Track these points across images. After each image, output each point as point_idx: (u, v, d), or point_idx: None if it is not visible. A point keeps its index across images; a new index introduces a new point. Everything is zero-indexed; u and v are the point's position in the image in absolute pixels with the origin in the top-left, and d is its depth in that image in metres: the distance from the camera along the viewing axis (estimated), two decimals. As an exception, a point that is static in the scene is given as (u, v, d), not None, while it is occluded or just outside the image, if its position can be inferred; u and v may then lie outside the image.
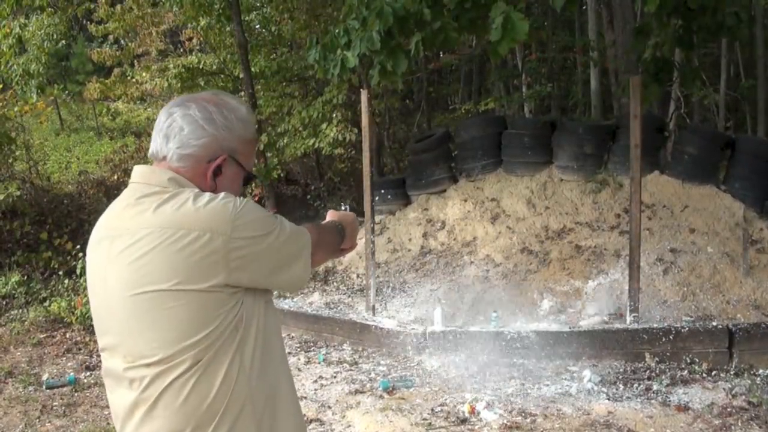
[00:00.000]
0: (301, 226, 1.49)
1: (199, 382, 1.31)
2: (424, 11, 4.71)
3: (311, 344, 5.90)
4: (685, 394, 4.51)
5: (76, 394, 4.90)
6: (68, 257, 7.44)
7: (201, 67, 10.46)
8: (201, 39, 11.33)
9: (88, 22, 13.25)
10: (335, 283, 7.38)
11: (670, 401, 4.41)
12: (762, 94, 10.60)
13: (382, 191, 8.20)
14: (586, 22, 12.16)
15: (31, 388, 5.03)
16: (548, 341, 5.18)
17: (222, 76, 10.84)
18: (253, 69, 9.84)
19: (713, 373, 4.83)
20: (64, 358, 5.70)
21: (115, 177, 10.11)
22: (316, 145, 9.05)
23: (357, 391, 4.76)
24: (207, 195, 1.35)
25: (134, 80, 11.14)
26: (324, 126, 8.88)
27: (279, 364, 1.45)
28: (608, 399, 4.48)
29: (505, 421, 4.16)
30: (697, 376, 4.79)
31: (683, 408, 4.29)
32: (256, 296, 1.38)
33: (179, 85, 9.99)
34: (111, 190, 9.59)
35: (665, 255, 6.34)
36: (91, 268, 1.43)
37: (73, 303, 6.53)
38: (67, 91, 15.46)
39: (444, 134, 8.59)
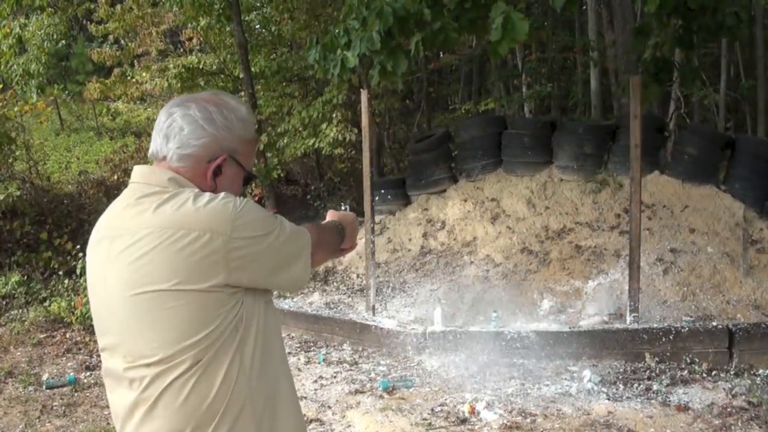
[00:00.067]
0: (301, 226, 1.49)
1: (199, 382, 1.31)
2: (424, 11, 4.71)
3: (311, 344, 5.90)
4: (685, 394, 4.51)
5: (76, 394, 4.90)
6: (68, 257, 7.44)
7: (201, 67, 10.46)
8: (201, 39, 11.33)
9: (88, 22, 13.25)
10: (335, 283, 7.38)
11: (670, 401, 4.41)
12: (762, 95, 10.60)
13: (382, 191, 8.20)
14: (586, 22, 12.16)
15: (31, 388, 5.03)
16: (548, 341, 5.18)
17: (222, 76, 10.84)
18: (253, 69, 9.84)
19: (713, 373, 4.83)
20: (64, 358, 5.70)
21: (115, 177, 10.11)
22: (316, 145, 9.05)
23: (357, 391, 4.76)
24: (207, 195, 1.35)
25: (134, 80, 11.14)
26: (324, 126, 8.88)
27: (279, 364, 1.45)
28: (608, 399, 4.48)
29: (505, 421, 4.16)
30: (697, 376, 4.79)
31: (683, 408, 4.29)
32: (256, 296, 1.39)
33: (179, 85, 10.00)
34: (111, 190, 9.59)
35: (665, 255, 6.34)
36: (91, 268, 1.43)
37: (73, 303, 6.53)
38: (67, 91, 15.46)
39: (444, 134, 8.59)
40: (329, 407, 4.50)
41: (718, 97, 11.94)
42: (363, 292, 6.64)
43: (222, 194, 1.36)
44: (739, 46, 12.11)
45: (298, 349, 5.77)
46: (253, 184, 8.91)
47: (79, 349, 5.88)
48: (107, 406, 3.87)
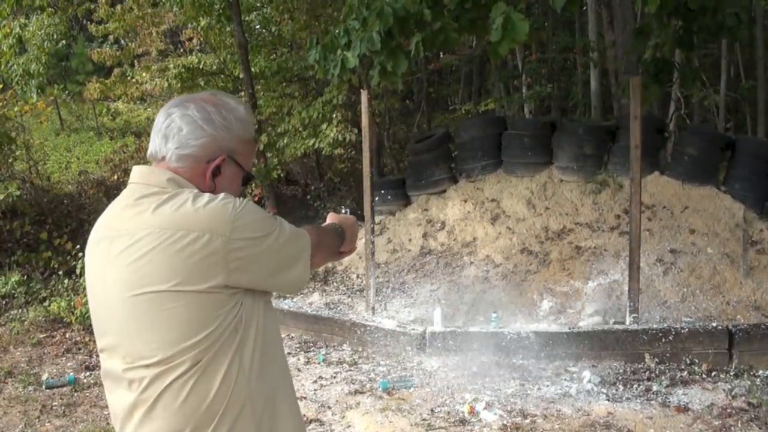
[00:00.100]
0: (300, 228, 1.49)
1: (198, 383, 1.31)
2: (425, 12, 4.71)
3: (311, 344, 5.89)
4: (685, 395, 4.51)
5: (75, 394, 4.90)
6: (68, 257, 7.43)
7: (201, 67, 10.45)
8: (201, 39, 11.33)
9: (88, 22, 13.25)
10: (335, 284, 7.37)
11: (669, 402, 4.41)
12: (762, 95, 10.60)
13: (382, 191, 8.20)
14: (587, 23, 12.16)
15: (30, 388, 5.03)
16: (548, 342, 5.18)
17: (222, 76, 10.84)
18: (253, 69, 9.83)
19: (713, 374, 4.83)
20: (64, 358, 5.70)
21: (115, 177, 10.11)
22: (316, 146, 9.04)
23: (357, 392, 4.76)
24: (206, 196, 1.34)
25: (134, 80, 11.14)
26: (324, 126, 8.87)
27: (278, 364, 1.45)
28: (608, 400, 4.48)
29: (504, 422, 4.16)
30: (697, 377, 4.79)
31: (683, 409, 4.29)
32: (256, 297, 1.38)
33: (179, 85, 9.99)
34: (111, 190, 9.59)
35: (665, 256, 6.34)
36: (90, 269, 1.43)
37: (72, 303, 6.53)
38: (67, 91, 15.46)
39: (444, 135, 8.59)
40: (329, 407, 4.50)
41: (718, 98, 11.95)
42: (363, 293, 6.63)
43: (221, 195, 1.36)
44: (739, 47, 12.11)
45: (298, 350, 5.77)
46: (253, 185, 8.91)
47: (79, 349, 5.88)
48: (107, 407, 3.87)
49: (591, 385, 4.68)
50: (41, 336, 6.19)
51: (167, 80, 9.96)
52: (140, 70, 11.20)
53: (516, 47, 10.34)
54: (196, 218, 1.30)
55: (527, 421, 4.18)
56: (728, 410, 4.24)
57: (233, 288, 1.32)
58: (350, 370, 5.22)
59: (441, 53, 13.88)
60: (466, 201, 7.79)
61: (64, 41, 11.31)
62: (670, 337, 5.03)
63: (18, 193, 8.21)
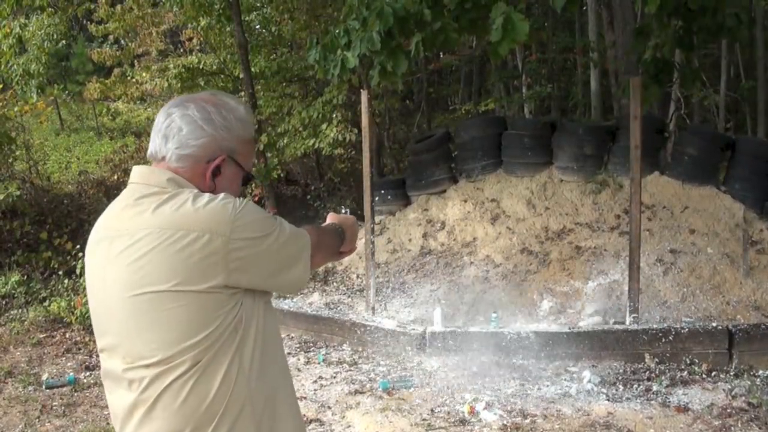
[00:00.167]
0: (300, 228, 1.49)
1: (198, 384, 1.31)
2: (425, 12, 4.71)
3: (311, 344, 5.89)
4: (685, 395, 4.51)
5: (75, 394, 4.90)
6: (68, 257, 7.43)
7: (201, 67, 10.45)
8: (201, 39, 11.33)
9: (88, 22, 13.25)
10: (335, 284, 7.37)
11: (669, 402, 4.41)
12: (762, 95, 10.60)
13: (382, 191, 8.20)
14: (587, 23, 12.16)
15: (30, 388, 5.03)
16: (548, 342, 5.19)
17: (222, 76, 10.84)
18: (253, 69, 9.83)
19: (713, 374, 4.83)
20: (64, 358, 5.70)
21: (115, 177, 10.11)
22: (316, 146, 9.04)
23: (357, 392, 4.76)
24: (206, 196, 1.34)
25: (134, 80, 11.14)
26: (324, 126, 8.87)
27: (278, 365, 1.45)
28: (608, 400, 4.48)
29: (504, 422, 4.16)
30: (697, 377, 4.79)
31: (683, 409, 4.29)
32: (256, 297, 1.38)
33: (179, 85, 9.99)
34: (111, 190, 9.59)
35: (665, 256, 6.34)
36: (90, 269, 1.43)
37: (72, 303, 6.53)
38: (67, 91, 15.46)
39: (444, 135, 8.58)
40: (329, 407, 4.50)
41: (718, 98, 11.95)
42: (363, 293, 6.63)
43: (221, 195, 1.36)
44: (739, 47, 12.11)
45: (298, 350, 5.77)
46: (253, 185, 8.90)
47: (79, 349, 5.88)
48: (107, 407, 3.87)
49: (591, 385, 4.68)
50: (41, 336, 6.19)
51: (167, 80, 9.96)
52: (140, 70, 11.20)
53: (516, 47, 10.33)
54: (196, 218, 1.30)
55: (527, 421, 4.18)
56: (728, 410, 4.24)
57: (233, 288, 1.32)
58: (350, 370, 5.22)
59: (441, 53, 13.88)
60: (466, 201, 7.80)
61: (64, 41, 11.30)
62: (670, 337, 5.03)
63: (18, 193, 8.21)
